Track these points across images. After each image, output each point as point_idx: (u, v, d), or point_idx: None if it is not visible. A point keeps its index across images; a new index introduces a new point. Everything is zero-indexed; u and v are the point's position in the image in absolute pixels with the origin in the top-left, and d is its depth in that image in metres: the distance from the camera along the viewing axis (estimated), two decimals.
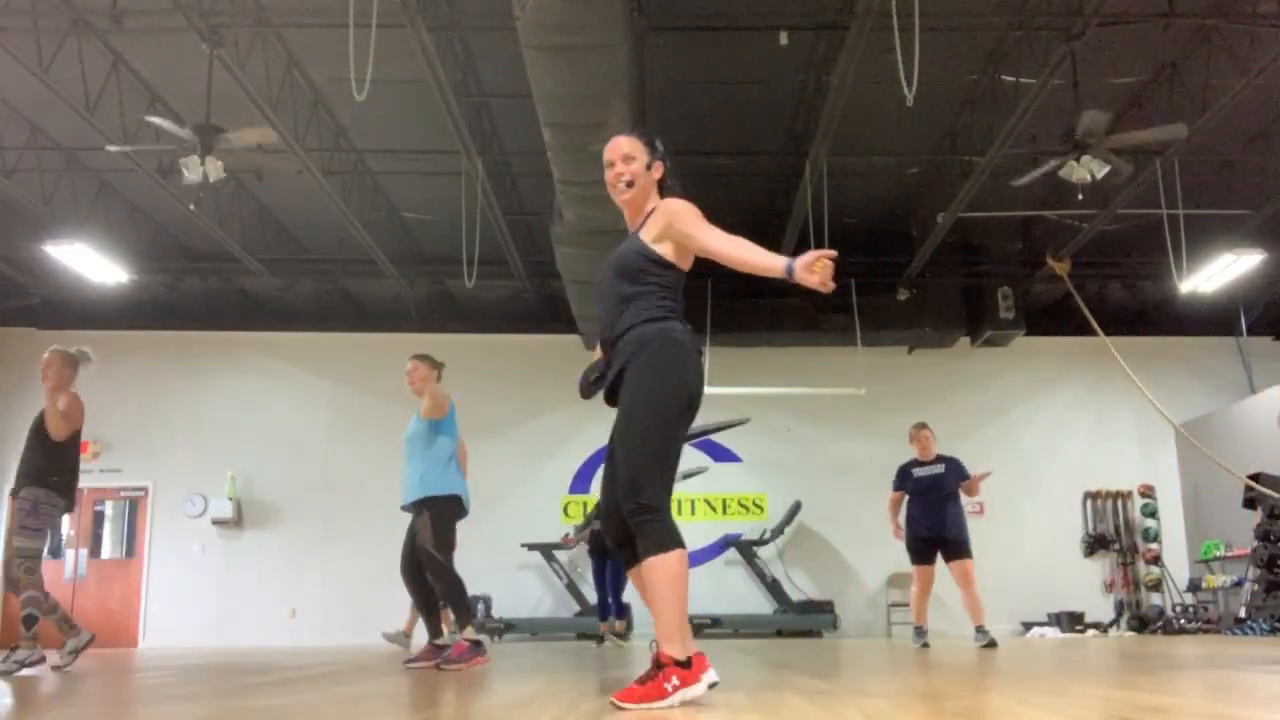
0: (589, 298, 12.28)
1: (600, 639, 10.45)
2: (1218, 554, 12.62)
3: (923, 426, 8.44)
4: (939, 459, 8.35)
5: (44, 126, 10.15)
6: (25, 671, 5.76)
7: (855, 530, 13.67)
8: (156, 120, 7.95)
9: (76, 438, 6.26)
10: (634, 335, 3.22)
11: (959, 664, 5.40)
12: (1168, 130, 7.99)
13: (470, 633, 5.68)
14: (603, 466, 3.39)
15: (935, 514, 8.18)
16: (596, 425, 14.41)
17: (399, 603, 7.69)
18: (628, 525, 3.09)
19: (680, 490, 13.30)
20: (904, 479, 8.44)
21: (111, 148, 8.75)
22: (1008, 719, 2.51)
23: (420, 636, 6.96)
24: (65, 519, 12.98)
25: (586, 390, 3.44)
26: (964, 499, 8.34)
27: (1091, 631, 12.82)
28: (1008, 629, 13.49)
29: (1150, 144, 8.31)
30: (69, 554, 13.84)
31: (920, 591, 8.35)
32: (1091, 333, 10.56)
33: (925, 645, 8.28)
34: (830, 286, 3.02)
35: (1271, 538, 10.98)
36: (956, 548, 8.12)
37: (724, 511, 14.03)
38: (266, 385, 14.47)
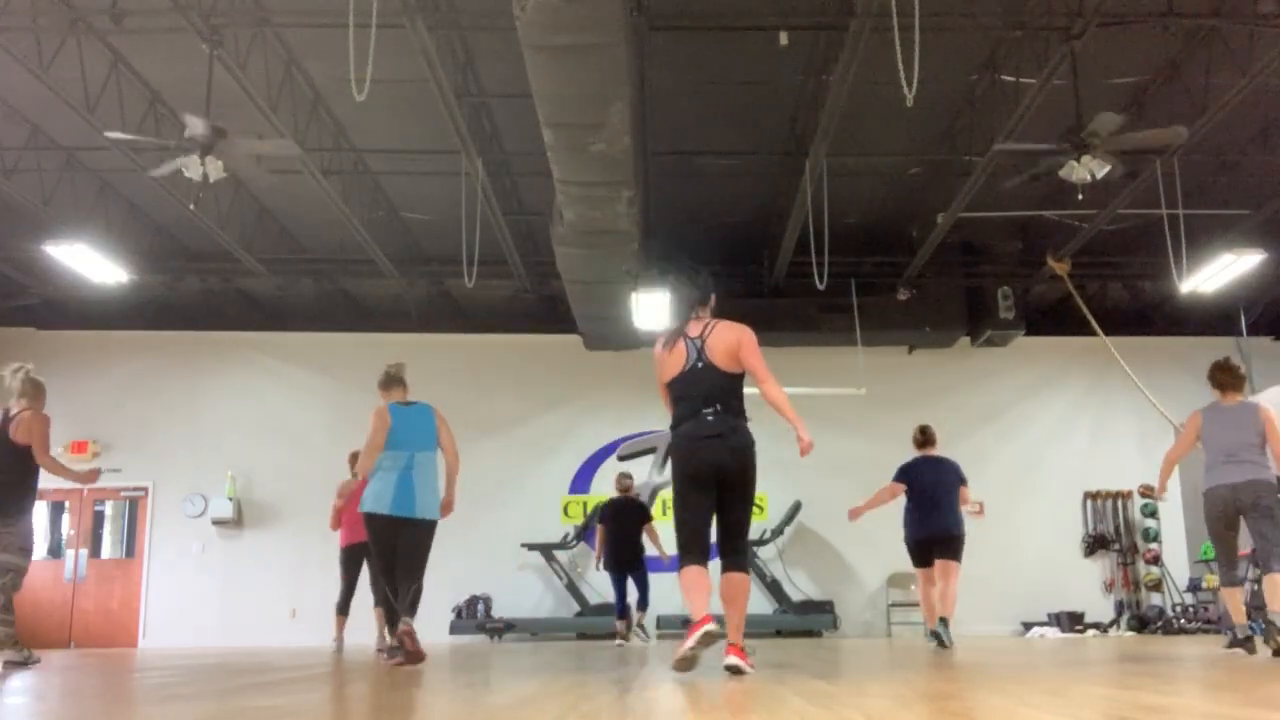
0: (589, 297, 12.28)
1: (623, 638, 10.66)
2: None
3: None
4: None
5: (44, 126, 10.14)
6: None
7: (855, 530, 13.53)
8: (117, 135, 7.98)
9: None
10: None
11: (959, 664, 5.40)
12: (1167, 133, 7.96)
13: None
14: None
15: None
16: (596, 425, 14.44)
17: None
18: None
19: None
20: None
21: (110, 134, 8.69)
22: (1008, 719, 2.51)
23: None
24: (65, 519, 12.99)
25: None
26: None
27: (1091, 631, 12.82)
28: (1008, 629, 13.49)
29: (1151, 145, 8.27)
30: (69, 554, 13.85)
31: None
32: (1091, 333, 10.56)
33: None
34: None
35: None
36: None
37: None
38: (266, 385, 14.47)
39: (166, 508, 13.98)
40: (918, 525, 8.26)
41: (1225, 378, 6.55)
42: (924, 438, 8.52)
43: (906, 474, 8.41)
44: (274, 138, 8.96)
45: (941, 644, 8.00)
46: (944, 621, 8.05)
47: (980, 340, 13.85)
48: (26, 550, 6.58)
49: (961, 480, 8.26)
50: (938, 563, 8.18)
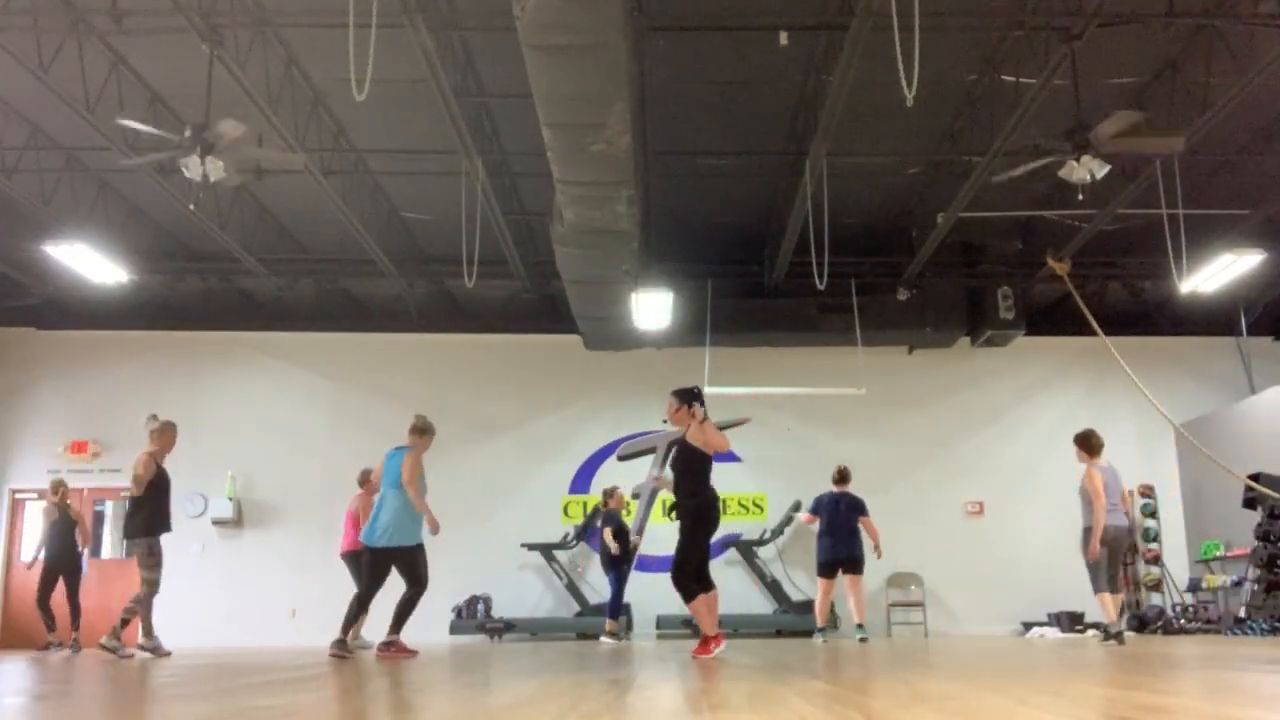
0: (589, 297, 12.28)
1: (615, 635, 11.47)
2: (1218, 554, 12.62)
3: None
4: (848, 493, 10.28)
5: (44, 126, 10.14)
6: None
7: None
8: (129, 123, 7.95)
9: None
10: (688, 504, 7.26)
11: (959, 664, 5.40)
12: (1164, 141, 7.93)
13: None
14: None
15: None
16: (596, 425, 14.44)
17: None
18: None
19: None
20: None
21: (126, 162, 8.76)
22: (1008, 719, 2.51)
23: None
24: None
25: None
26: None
27: (1091, 631, 12.80)
28: (1008, 629, 13.49)
29: (1149, 151, 8.25)
30: None
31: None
32: (1091, 333, 10.55)
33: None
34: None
35: (1271, 538, 10.98)
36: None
37: (723, 511, 13.97)
38: (266, 385, 14.47)
39: None
40: (829, 550, 10.15)
41: (1096, 443, 8.64)
42: (841, 477, 10.34)
43: (820, 507, 10.32)
44: (272, 137, 8.97)
45: (862, 640, 9.87)
46: (860, 625, 10.00)
47: (980, 340, 13.84)
48: (162, 564, 8.80)
49: (863, 513, 10.17)
50: (846, 577, 10.10)
